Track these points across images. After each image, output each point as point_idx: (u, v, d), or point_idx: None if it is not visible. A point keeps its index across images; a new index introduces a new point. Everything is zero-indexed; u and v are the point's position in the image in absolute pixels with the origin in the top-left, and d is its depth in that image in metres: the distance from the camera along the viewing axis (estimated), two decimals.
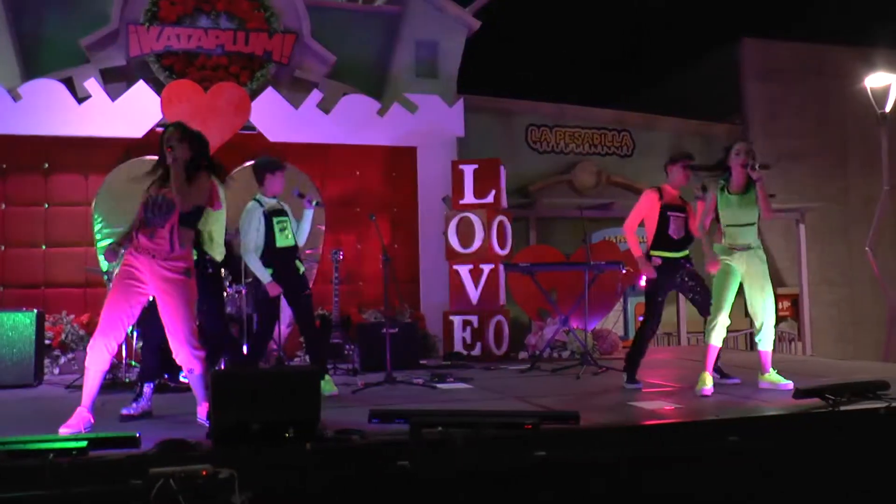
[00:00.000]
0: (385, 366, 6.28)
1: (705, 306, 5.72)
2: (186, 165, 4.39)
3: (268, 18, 9.07)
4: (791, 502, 3.93)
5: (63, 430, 4.20)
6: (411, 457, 3.49)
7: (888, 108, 10.96)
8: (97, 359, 4.30)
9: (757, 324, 5.45)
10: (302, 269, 6.22)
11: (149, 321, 4.90)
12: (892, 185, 11.49)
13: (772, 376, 5.46)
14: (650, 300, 5.80)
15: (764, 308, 5.39)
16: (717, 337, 5.37)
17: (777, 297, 5.84)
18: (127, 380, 6.35)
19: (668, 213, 5.76)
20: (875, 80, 11.06)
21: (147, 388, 4.95)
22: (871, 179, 12.42)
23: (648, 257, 5.77)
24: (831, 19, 15.84)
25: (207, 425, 4.28)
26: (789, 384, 5.26)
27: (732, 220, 5.38)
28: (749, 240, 5.39)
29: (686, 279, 5.88)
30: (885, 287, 10.94)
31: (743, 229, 5.38)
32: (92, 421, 4.32)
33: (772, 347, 5.49)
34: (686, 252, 5.88)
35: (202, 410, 4.55)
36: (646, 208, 5.84)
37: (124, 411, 4.78)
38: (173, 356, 4.47)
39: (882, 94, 11.00)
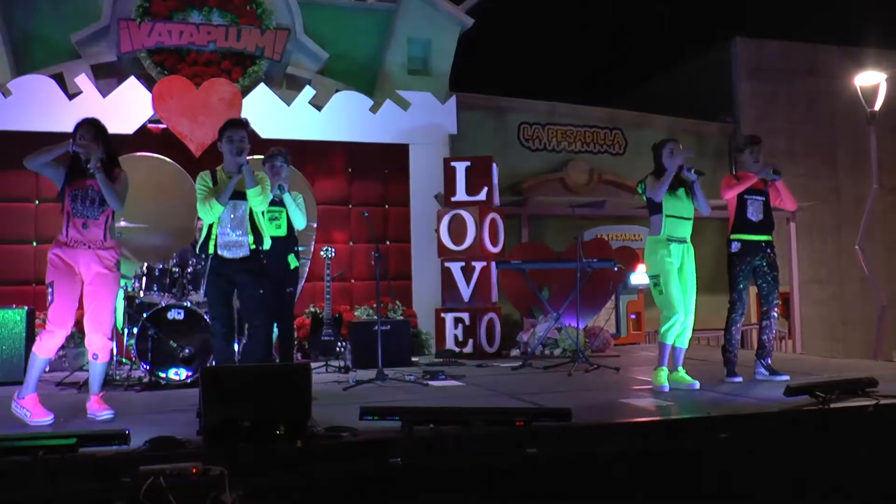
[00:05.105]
0: (377, 363, 6.26)
1: (768, 298, 5.92)
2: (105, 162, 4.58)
3: (260, 15, 9.04)
4: (781, 499, 3.95)
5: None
6: (403, 454, 3.49)
7: (877, 107, 11.00)
8: (51, 348, 4.52)
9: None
10: (294, 264, 6.23)
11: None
12: (882, 184, 11.57)
13: (680, 374, 5.57)
14: (733, 286, 5.86)
15: (690, 306, 5.55)
16: (672, 336, 5.49)
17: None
18: (117, 377, 6.32)
19: (745, 196, 5.88)
20: (864, 79, 11.10)
21: None
22: (860, 178, 12.48)
23: (729, 243, 5.86)
24: (822, 19, 15.90)
25: (97, 419, 4.46)
26: (696, 384, 5.43)
27: (674, 212, 5.54)
28: (686, 234, 5.59)
29: (764, 264, 5.92)
30: (875, 286, 11.00)
31: (683, 222, 5.57)
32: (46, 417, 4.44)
33: (687, 345, 5.65)
34: (768, 236, 5.96)
35: (95, 403, 4.60)
36: (725, 189, 5.91)
37: None
38: (86, 341, 4.64)
39: (871, 93, 11.04)
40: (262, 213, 5.08)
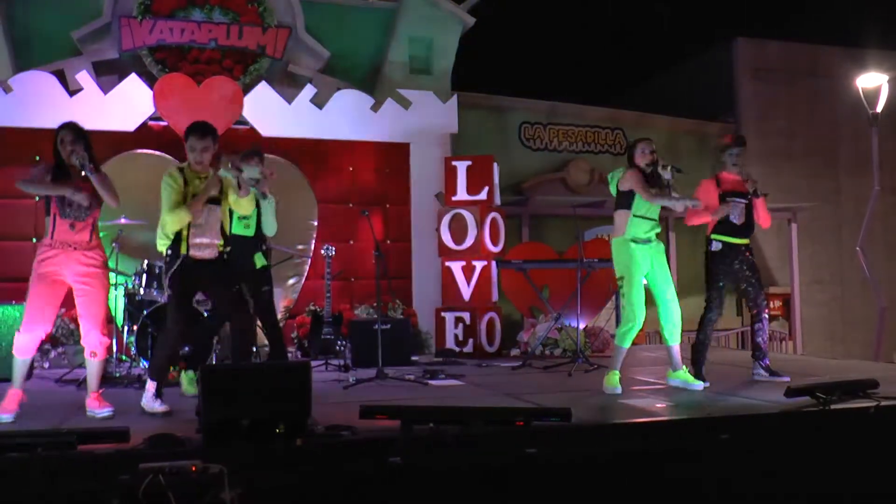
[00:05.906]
0: (377, 362, 6.26)
1: (756, 300, 5.85)
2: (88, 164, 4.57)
3: (261, 13, 9.04)
4: (782, 500, 3.94)
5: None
6: (403, 453, 3.48)
7: (879, 109, 10.99)
8: (27, 350, 4.56)
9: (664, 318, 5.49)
10: (261, 263, 6.13)
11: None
12: (883, 185, 11.56)
13: (683, 374, 5.52)
14: (710, 287, 5.82)
15: (672, 303, 5.47)
16: (629, 340, 5.39)
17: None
18: (117, 374, 6.32)
19: (728, 199, 5.77)
20: (866, 80, 11.08)
21: None
22: (862, 179, 12.48)
23: (709, 242, 5.80)
24: (824, 19, 15.89)
25: (96, 416, 4.46)
26: (698, 385, 5.39)
27: (643, 212, 5.42)
28: (652, 234, 5.47)
29: (744, 268, 5.85)
30: (876, 287, 10.99)
31: (649, 223, 5.44)
32: (23, 397, 4.55)
33: (679, 342, 5.57)
34: (747, 240, 5.88)
35: (94, 401, 4.60)
36: (702, 194, 5.77)
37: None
38: (82, 340, 4.64)
39: (873, 95, 11.02)
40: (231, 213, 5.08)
